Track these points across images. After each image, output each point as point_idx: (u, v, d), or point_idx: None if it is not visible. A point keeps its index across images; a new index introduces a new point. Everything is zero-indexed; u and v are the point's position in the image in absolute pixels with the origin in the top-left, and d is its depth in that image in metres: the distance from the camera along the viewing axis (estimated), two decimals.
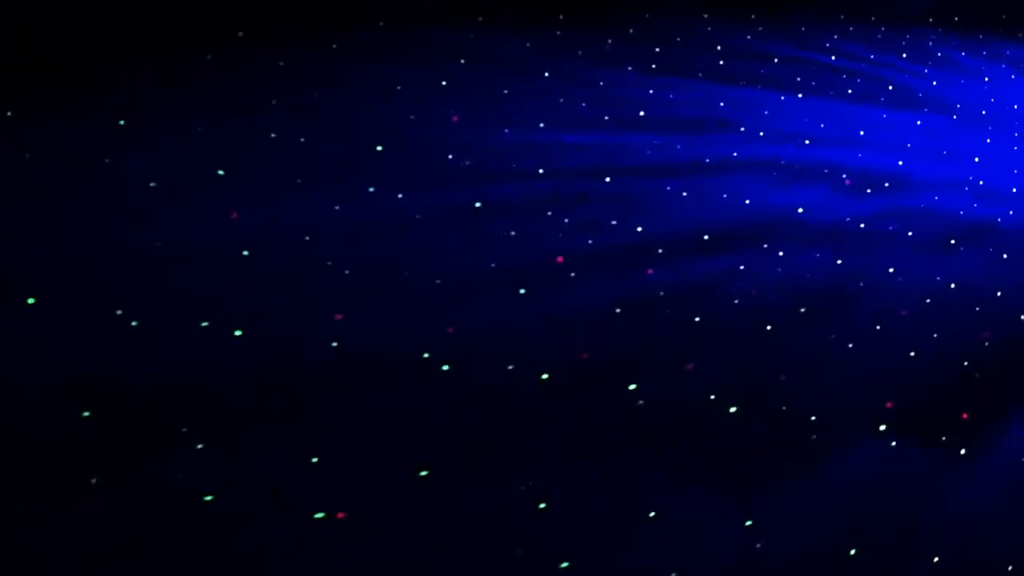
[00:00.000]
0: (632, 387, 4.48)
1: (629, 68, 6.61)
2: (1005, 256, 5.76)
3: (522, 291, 4.82)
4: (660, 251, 5.23)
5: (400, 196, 5.31)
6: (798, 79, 7.03)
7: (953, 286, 5.42)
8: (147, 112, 5.34)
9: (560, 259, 5.01)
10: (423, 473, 4.18)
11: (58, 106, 5.15)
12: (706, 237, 5.37)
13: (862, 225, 5.73)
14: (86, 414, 4.01)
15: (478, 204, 5.30)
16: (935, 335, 5.05)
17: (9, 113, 5.06)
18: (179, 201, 5.06)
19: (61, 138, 5.06)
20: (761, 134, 6.24)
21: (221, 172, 5.16)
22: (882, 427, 4.48)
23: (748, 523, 4.07)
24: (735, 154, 6.03)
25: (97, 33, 5.40)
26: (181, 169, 5.19)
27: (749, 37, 7.52)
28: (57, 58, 5.26)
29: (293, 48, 6.00)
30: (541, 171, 5.56)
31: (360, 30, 6.35)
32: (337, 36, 6.25)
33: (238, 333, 4.49)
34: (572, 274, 4.96)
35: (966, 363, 4.97)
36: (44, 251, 4.67)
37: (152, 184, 5.06)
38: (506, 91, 6.10)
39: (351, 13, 6.37)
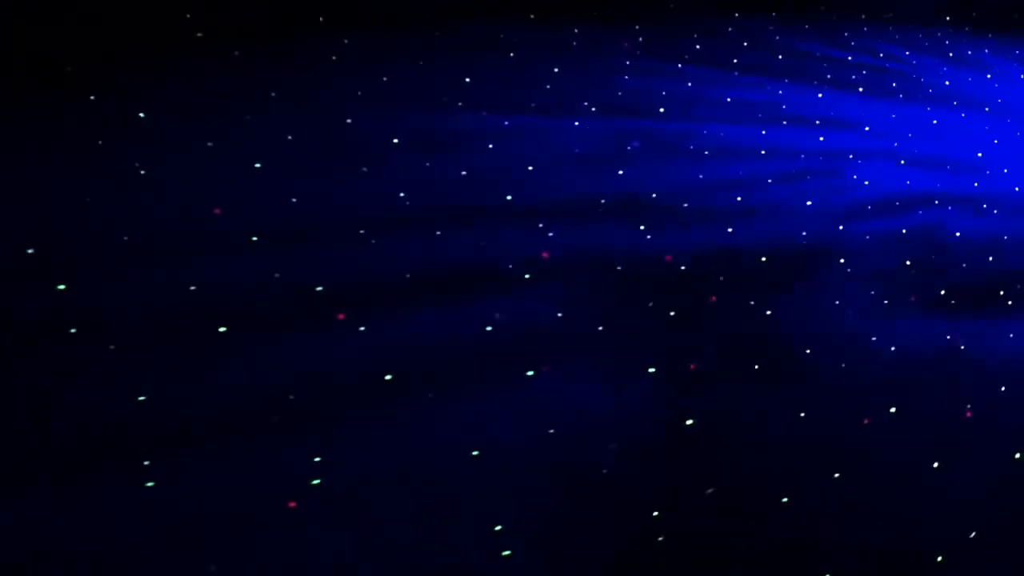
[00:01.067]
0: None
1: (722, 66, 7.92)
2: None
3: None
4: (870, 208, 6.84)
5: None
6: (860, 79, 8.40)
7: None
8: (147, 112, 5.34)
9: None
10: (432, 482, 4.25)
11: (58, 106, 5.15)
12: (896, 203, 7.00)
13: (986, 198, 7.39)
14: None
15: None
16: None
17: (9, 113, 5.05)
18: (180, 200, 5.06)
19: (61, 138, 5.06)
20: (867, 129, 7.72)
21: (242, 167, 5.25)
22: None
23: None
24: (859, 145, 7.47)
25: (97, 33, 5.39)
26: (182, 168, 5.19)
27: (778, 37, 8.54)
28: (57, 58, 5.25)
29: (295, 47, 6.00)
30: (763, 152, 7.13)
31: (377, 26, 6.43)
32: (350, 32, 6.29)
33: (222, 330, 4.49)
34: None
35: None
36: (43, 251, 4.67)
37: (152, 183, 5.06)
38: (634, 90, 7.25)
39: (362, 10, 6.40)
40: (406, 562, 4.09)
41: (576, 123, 6.57)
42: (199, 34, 5.68)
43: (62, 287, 4.48)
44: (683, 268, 5.72)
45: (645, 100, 7.14)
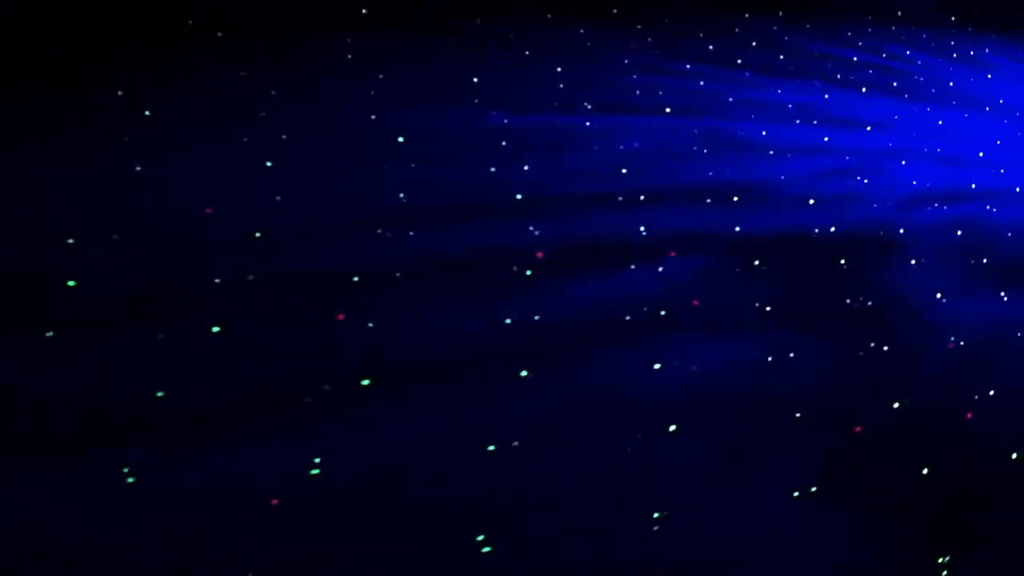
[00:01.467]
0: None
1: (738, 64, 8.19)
2: None
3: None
4: (876, 206, 7.05)
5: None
6: (866, 79, 8.61)
7: None
8: (147, 112, 5.34)
9: None
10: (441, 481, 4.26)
11: (58, 106, 5.15)
12: (946, 193, 7.39)
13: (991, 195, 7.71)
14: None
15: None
16: None
17: (9, 113, 5.06)
18: (180, 199, 5.06)
19: (61, 138, 5.06)
20: (869, 128, 7.92)
21: (243, 167, 5.28)
22: None
23: None
24: (862, 144, 7.73)
25: (97, 33, 5.39)
26: (182, 168, 5.19)
27: (787, 38, 8.74)
28: (57, 58, 5.25)
29: (295, 47, 5.99)
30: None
31: (379, 25, 6.46)
32: (351, 31, 6.30)
33: (216, 329, 4.49)
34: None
35: None
36: (43, 252, 4.67)
37: (152, 183, 5.06)
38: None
39: (364, 10, 6.40)
40: (404, 561, 4.09)
41: (587, 123, 6.60)
42: (199, 34, 5.68)
43: (72, 283, 4.49)
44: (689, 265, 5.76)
45: (651, 99, 7.18)
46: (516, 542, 4.22)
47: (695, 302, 5.51)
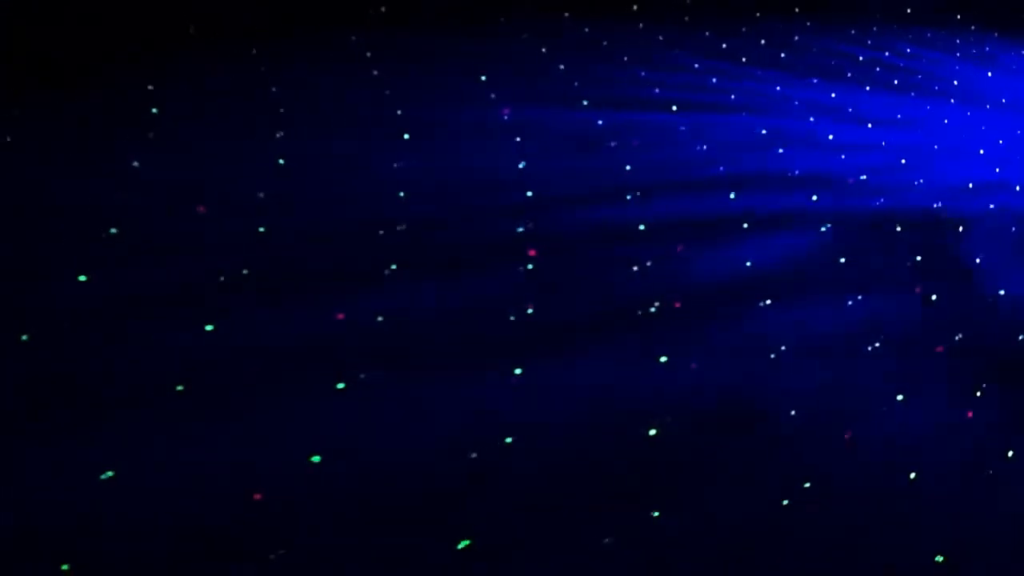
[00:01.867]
0: None
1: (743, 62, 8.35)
2: None
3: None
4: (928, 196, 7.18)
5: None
6: (873, 76, 8.77)
7: None
8: (147, 112, 5.36)
9: None
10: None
11: (58, 106, 5.17)
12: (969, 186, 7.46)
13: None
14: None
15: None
16: None
17: (9, 113, 5.08)
18: (180, 199, 5.08)
19: (61, 138, 5.08)
20: (870, 126, 7.95)
21: (243, 166, 5.29)
22: None
23: None
24: (860, 139, 7.80)
25: (97, 33, 5.41)
26: (181, 168, 5.21)
27: (796, 36, 8.95)
28: (57, 58, 5.27)
29: (295, 47, 6.01)
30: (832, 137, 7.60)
31: (386, 24, 6.48)
32: (353, 30, 6.32)
33: (209, 328, 4.50)
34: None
35: None
36: (43, 251, 4.69)
37: (152, 182, 5.08)
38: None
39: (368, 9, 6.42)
40: (403, 561, 4.09)
41: (598, 121, 6.59)
42: (199, 34, 5.70)
43: (58, 287, 4.51)
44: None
45: (656, 95, 7.19)
46: (515, 542, 4.21)
47: (676, 304, 5.47)
